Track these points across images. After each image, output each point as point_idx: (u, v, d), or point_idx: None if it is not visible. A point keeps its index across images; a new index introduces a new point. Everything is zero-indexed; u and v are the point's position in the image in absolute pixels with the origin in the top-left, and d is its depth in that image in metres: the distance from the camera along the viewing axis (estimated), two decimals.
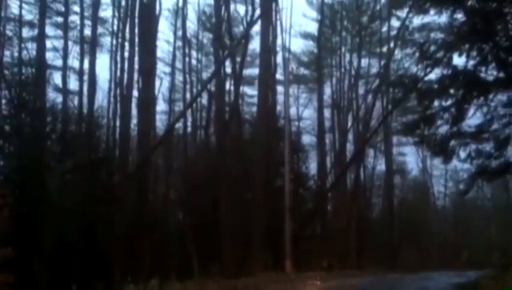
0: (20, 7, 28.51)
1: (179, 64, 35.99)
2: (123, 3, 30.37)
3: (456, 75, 15.38)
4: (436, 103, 16.36)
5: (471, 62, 15.12)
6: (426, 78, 16.94)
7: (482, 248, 42.31)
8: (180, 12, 34.37)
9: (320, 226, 35.72)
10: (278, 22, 32.91)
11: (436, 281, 21.04)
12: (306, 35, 41.65)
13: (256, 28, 30.61)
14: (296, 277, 21.42)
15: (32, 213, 21.25)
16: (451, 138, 16.38)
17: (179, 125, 33.53)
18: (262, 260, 24.79)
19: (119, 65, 29.96)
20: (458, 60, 15.35)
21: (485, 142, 16.48)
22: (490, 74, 15.31)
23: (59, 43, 29.77)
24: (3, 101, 26.63)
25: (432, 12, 15.82)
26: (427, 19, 16.52)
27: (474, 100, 15.73)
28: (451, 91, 15.89)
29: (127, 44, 29.39)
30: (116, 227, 24.16)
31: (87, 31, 29.60)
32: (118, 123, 29.60)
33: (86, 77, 28.29)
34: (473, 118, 16.09)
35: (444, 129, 16.60)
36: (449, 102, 15.97)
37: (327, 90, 40.94)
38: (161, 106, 36.15)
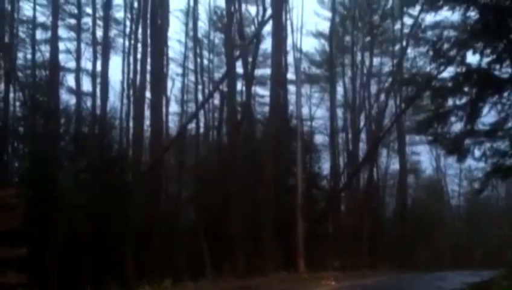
0: (34, 9, 28.72)
1: (191, 65, 36.09)
2: (135, 4, 30.50)
3: (470, 73, 15.27)
4: (450, 102, 16.24)
5: (485, 60, 15.00)
6: (439, 77, 16.84)
7: (496, 247, 42.04)
8: (191, 13, 34.43)
9: (332, 226, 35.63)
10: (289, 22, 32.98)
11: (450, 281, 20.92)
12: (318, 35, 41.61)
13: (268, 28, 30.60)
14: (310, 277, 21.41)
15: (45, 213, 21.40)
16: (466, 136, 16.24)
17: (191, 126, 33.63)
18: (274, 259, 24.78)
19: (131, 66, 30.10)
20: (472, 58, 15.25)
21: (500, 141, 16.33)
22: (505, 71, 15.16)
23: (72, 45, 30.03)
24: (17, 103, 26.90)
25: (444, 9, 15.71)
26: (439, 16, 16.35)
27: (488, 98, 15.59)
28: (465, 89, 15.77)
29: (139, 45, 29.48)
30: (129, 226, 24.26)
31: (100, 33, 29.80)
32: (130, 124, 29.73)
33: (98, 79, 28.45)
34: (488, 116, 15.96)
35: (458, 127, 16.49)
36: (463, 100, 15.85)
37: (339, 90, 40.84)
38: (173, 107, 36.29)
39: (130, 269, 22.80)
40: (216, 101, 35.31)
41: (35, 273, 19.22)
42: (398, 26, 38.41)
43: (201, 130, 35.56)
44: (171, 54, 34.04)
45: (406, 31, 36.14)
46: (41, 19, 29.41)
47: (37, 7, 29.08)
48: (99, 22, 30.03)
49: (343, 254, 31.24)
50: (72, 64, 29.58)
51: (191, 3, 34.17)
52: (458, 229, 48.78)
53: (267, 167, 26.93)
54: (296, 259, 24.48)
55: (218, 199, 28.45)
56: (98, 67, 28.56)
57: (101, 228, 23.19)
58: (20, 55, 28.79)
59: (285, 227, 25.96)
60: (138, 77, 28.80)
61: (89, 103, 29.27)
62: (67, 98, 28.72)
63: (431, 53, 16.27)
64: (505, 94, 15.57)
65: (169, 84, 32.91)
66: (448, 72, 16.29)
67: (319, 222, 31.46)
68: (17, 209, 17.60)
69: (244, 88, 32.54)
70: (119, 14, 32.20)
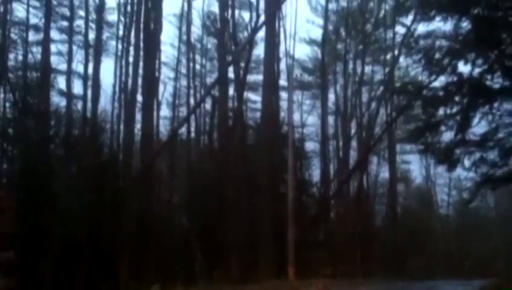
0: (27, 11, 28.61)
1: (183, 69, 36.01)
2: (129, 8, 30.41)
3: (461, 82, 15.35)
4: (441, 111, 16.32)
5: (477, 70, 15.09)
6: (431, 86, 16.91)
7: (486, 257, 42.19)
8: (184, 17, 34.39)
9: (323, 234, 35.58)
10: (282, 29, 33.00)
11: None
12: (310, 42, 41.61)
13: (261, 34, 30.61)
14: (300, 285, 21.30)
15: (35, 217, 21.23)
16: (456, 146, 16.31)
17: (182, 130, 33.54)
18: (266, 266, 24.68)
19: (123, 70, 29.97)
20: (463, 68, 15.33)
21: (490, 151, 16.41)
22: (496, 82, 15.26)
23: (64, 47, 29.87)
24: (8, 105, 26.74)
25: (437, 19, 15.80)
26: (432, 26, 16.46)
27: (479, 108, 15.67)
28: (457, 99, 15.85)
29: (131, 49, 29.39)
30: (121, 231, 24.11)
31: (92, 35, 29.69)
32: (121, 127, 29.59)
33: (90, 82, 28.32)
34: (478, 127, 16.04)
35: (448, 137, 16.56)
36: (454, 110, 15.92)
37: (331, 97, 40.84)
38: (164, 111, 36.17)
39: (123, 274, 22.65)
40: (208, 106, 35.31)
41: (26, 278, 19.07)
42: (390, 35, 38.52)
43: (193, 134, 35.50)
44: (163, 58, 33.99)
45: (398, 39, 36.27)
46: (33, 20, 29.34)
47: (30, 9, 29.04)
48: (92, 25, 30.00)
49: (335, 262, 31.19)
50: (63, 66, 29.47)
51: (185, 8, 34.23)
52: (448, 239, 48.90)
53: (259, 174, 26.89)
54: (286, 267, 24.39)
55: (210, 205, 28.34)
56: (90, 70, 28.50)
57: (92, 232, 23.01)
58: (11, 56, 28.63)
59: (277, 234, 25.87)
60: (130, 80, 28.71)
61: (79, 106, 29.18)
62: (58, 101, 28.62)
63: (423, 62, 16.36)
64: (496, 105, 15.67)
65: (161, 88, 32.85)
66: (439, 82, 16.40)
67: (310, 229, 31.38)
68: (7, 212, 17.49)
69: (236, 93, 32.51)
70: (111, 17, 32.14)
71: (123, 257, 23.74)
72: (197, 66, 37.29)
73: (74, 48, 29.33)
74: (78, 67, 29.84)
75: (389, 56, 38.79)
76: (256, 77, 37.39)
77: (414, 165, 48.23)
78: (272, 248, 25.52)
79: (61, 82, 29.34)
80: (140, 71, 28.12)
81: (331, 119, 40.93)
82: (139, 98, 28.59)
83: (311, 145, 40.67)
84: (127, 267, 23.22)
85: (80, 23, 30.27)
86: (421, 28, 17.71)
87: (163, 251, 26.74)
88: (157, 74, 29.96)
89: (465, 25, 15.36)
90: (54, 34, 29.18)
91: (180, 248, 28.51)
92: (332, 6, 39.06)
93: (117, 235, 23.82)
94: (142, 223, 25.21)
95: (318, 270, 27.31)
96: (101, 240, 23.33)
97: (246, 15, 33.63)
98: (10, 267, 16.02)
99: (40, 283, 20.63)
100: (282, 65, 34.54)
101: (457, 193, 49.60)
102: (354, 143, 39.92)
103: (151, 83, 28.17)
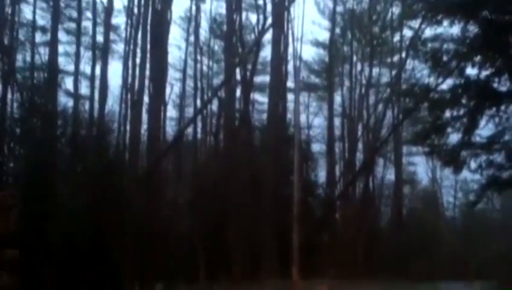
0: (34, 12, 28.79)
1: (190, 71, 36.10)
2: (135, 10, 30.50)
3: (468, 85, 15.36)
4: (447, 114, 16.31)
5: (484, 73, 15.09)
6: (438, 88, 16.92)
7: (491, 259, 41.99)
8: (192, 20, 34.49)
9: (328, 235, 35.53)
10: (290, 31, 33.03)
11: None
12: (317, 44, 41.58)
13: (268, 36, 30.64)
14: (304, 285, 21.35)
15: (40, 216, 21.32)
16: (462, 148, 16.32)
17: (188, 131, 33.62)
18: (270, 267, 24.71)
19: (130, 71, 30.06)
20: (471, 71, 15.34)
21: (496, 153, 16.40)
22: (503, 84, 15.26)
23: (71, 49, 30.04)
24: (15, 105, 26.87)
25: (444, 23, 15.80)
26: (439, 29, 16.45)
27: (486, 111, 15.66)
28: (463, 101, 15.85)
29: (138, 50, 29.48)
30: (125, 231, 24.16)
31: (100, 37, 29.82)
32: (128, 128, 29.69)
33: (97, 83, 28.44)
34: (485, 129, 16.04)
35: (454, 139, 16.56)
36: (461, 112, 15.92)
37: (338, 99, 40.83)
38: (171, 112, 36.28)
39: (126, 274, 22.70)
40: (214, 107, 35.37)
41: (30, 278, 19.16)
42: (397, 37, 38.46)
43: (199, 136, 35.56)
44: (170, 59, 34.05)
45: (405, 42, 36.14)
46: (41, 22, 29.52)
47: (38, 10, 29.24)
48: (99, 27, 30.13)
49: (339, 264, 31.13)
50: (70, 67, 29.65)
51: (193, 11, 34.36)
52: (454, 241, 48.70)
53: (265, 175, 26.92)
54: (291, 267, 24.40)
55: (215, 206, 28.37)
56: (97, 71, 28.63)
57: (97, 232, 23.06)
58: (19, 57, 28.84)
59: (282, 235, 25.88)
60: (137, 81, 28.79)
61: (87, 106, 29.30)
62: (65, 101, 28.78)
63: (430, 64, 16.36)
64: (503, 107, 15.67)
65: (167, 89, 32.95)
66: (446, 85, 16.40)
67: (315, 231, 31.34)
68: (12, 211, 17.56)
69: (242, 95, 32.54)
70: (117, 20, 32.24)
71: (127, 256, 23.78)
72: (204, 68, 37.42)
73: (81, 49, 29.51)
74: (86, 68, 30.02)
75: (396, 58, 38.77)
76: (263, 78, 37.43)
77: (420, 167, 48.04)
78: (276, 249, 25.54)
79: (68, 83, 29.59)
80: (147, 72, 28.20)
81: (337, 121, 40.96)
82: (146, 99, 28.69)
83: (317, 147, 40.62)
84: (130, 267, 23.26)
85: (87, 24, 30.44)
86: (429, 31, 17.70)
87: (167, 251, 26.79)
88: (163, 75, 30.03)
89: (473, 28, 15.37)
90: (61, 36, 29.41)
91: (184, 248, 28.56)
92: (339, 8, 39.13)
93: (121, 235, 23.86)
94: (145, 224, 25.25)
95: (322, 271, 27.33)
96: (105, 239, 23.37)
97: (253, 17, 33.74)
98: (15, 265, 16.08)
99: (43, 282, 20.74)
100: (290, 67, 34.58)
101: (463, 195, 49.44)
102: (360, 145, 39.88)
103: (158, 85, 28.25)
